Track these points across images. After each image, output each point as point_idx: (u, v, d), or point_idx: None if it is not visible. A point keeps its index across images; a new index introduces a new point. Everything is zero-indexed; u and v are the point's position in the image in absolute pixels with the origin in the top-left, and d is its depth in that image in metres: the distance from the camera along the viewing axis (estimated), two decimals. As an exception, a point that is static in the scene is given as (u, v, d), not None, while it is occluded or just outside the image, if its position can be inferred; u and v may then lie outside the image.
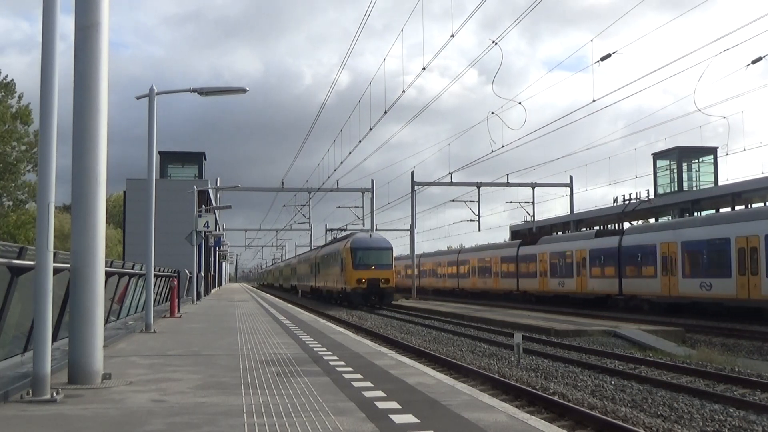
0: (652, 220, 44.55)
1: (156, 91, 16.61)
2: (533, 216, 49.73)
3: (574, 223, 49.02)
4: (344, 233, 53.49)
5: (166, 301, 26.24)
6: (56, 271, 8.19)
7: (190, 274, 34.18)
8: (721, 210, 37.02)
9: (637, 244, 32.75)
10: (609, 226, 44.54)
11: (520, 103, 25.11)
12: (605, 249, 35.54)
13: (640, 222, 44.37)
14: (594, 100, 19.87)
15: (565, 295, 39.25)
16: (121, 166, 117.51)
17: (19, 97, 51.27)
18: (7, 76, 50.91)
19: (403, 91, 26.11)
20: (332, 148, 41.71)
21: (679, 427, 9.44)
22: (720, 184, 39.92)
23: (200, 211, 36.41)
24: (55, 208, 7.35)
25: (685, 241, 29.28)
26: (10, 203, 51.41)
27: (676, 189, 42.41)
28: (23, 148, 50.89)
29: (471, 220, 51.51)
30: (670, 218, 39.91)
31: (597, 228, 42.63)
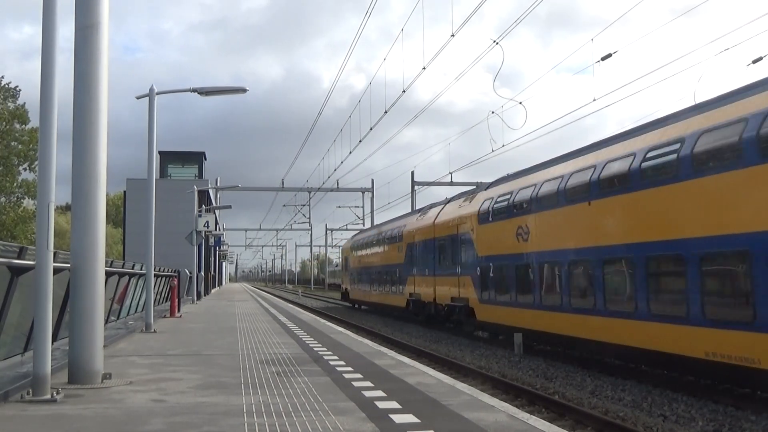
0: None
1: (156, 91, 16.64)
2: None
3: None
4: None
5: (166, 301, 26.25)
6: (56, 271, 8.19)
7: (190, 274, 34.17)
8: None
9: None
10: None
11: (520, 102, 25.22)
12: None
13: None
14: (594, 99, 19.91)
15: None
16: (129, 167, 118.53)
17: (14, 97, 51.45)
18: (10, 83, 51.25)
19: (403, 91, 26.09)
20: (339, 149, 41.54)
21: (679, 427, 9.44)
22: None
23: (200, 211, 36.41)
24: (55, 208, 7.36)
25: None
26: (9, 199, 51.56)
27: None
28: (20, 146, 51.11)
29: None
30: None
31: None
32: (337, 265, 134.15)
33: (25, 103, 50.90)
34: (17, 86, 51.46)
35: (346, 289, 43.79)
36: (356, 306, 41.77)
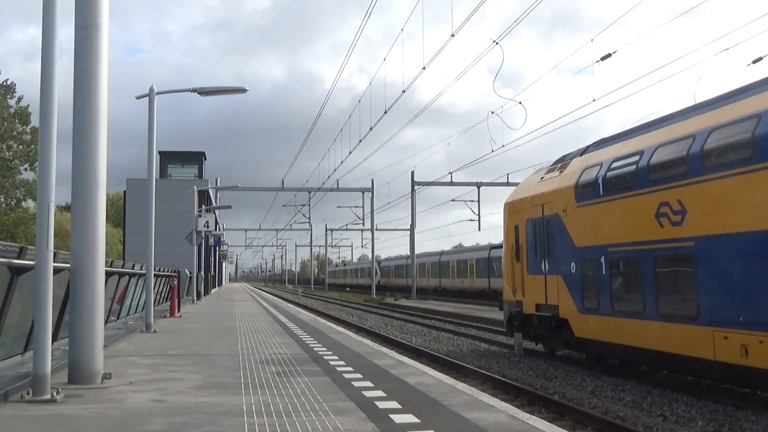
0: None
1: (156, 91, 16.65)
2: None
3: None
4: None
5: (166, 301, 26.25)
6: (56, 271, 8.18)
7: (190, 274, 34.16)
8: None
9: None
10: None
11: (520, 102, 25.27)
12: None
13: None
14: (594, 100, 19.92)
15: None
16: (130, 167, 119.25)
17: (19, 99, 51.69)
18: (8, 80, 51.40)
19: (403, 91, 26.09)
20: (339, 149, 41.50)
21: (679, 427, 9.44)
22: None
23: (200, 211, 36.40)
24: (55, 207, 7.35)
25: None
26: (8, 201, 51.65)
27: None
28: (20, 147, 51.22)
29: (471, 220, 51.66)
30: None
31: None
32: (336, 265, 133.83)
33: (29, 105, 51.13)
34: (13, 82, 51.62)
35: (540, 307, 15.78)
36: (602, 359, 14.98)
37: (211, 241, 49.68)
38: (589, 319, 13.79)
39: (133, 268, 18.13)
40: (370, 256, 66.17)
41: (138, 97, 16.78)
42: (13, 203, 52.10)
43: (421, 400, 7.06)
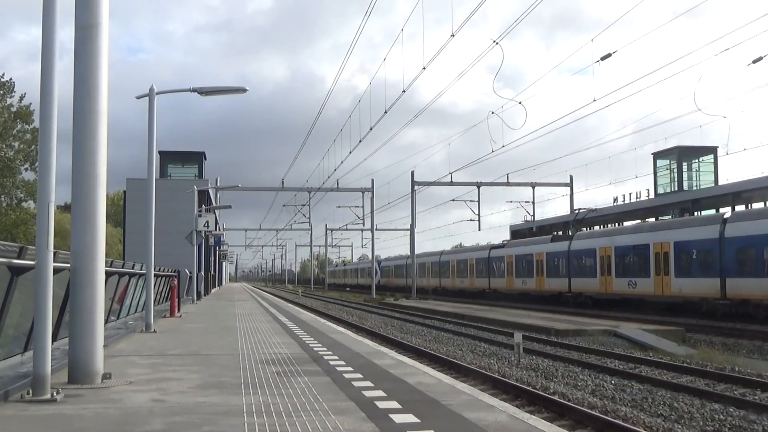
0: (651, 220, 44.74)
1: (156, 90, 16.64)
2: (533, 216, 49.88)
3: (573, 222, 49.24)
4: None
5: (166, 301, 26.23)
6: (56, 270, 8.18)
7: (190, 273, 34.16)
8: (721, 210, 37.61)
9: (581, 249, 37.90)
10: (610, 225, 45.54)
11: (520, 102, 25.36)
12: (558, 252, 40.46)
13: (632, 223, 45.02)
14: (594, 100, 19.97)
15: (527, 293, 43.66)
16: (130, 167, 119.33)
17: (21, 98, 51.68)
18: (3, 74, 51.29)
19: (403, 91, 26.13)
20: (339, 149, 41.43)
21: (679, 427, 9.44)
22: (720, 183, 40.28)
23: (200, 211, 36.40)
24: (56, 207, 7.35)
25: (617, 247, 34.25)
26: (9, 202, 51.64)
27: (676, 189, 42.46)
28: (21, 146, 51.20)
29: (471, 220, 51.70)
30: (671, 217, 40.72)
31: (553, 233, 46.76)
32: (336, 265, 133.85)
33: (31, 104, 51.13)
34: (12, 80, 51.58)
35: None
36: None
37: (211, 241, 49.67)
38: None
39: (133, 268, 18.12)
40: (370, 256, 66.21)
41: (138, 97, 16.77)
42: (13, 203, 52.08)
43: (421, 400, 7.06)
